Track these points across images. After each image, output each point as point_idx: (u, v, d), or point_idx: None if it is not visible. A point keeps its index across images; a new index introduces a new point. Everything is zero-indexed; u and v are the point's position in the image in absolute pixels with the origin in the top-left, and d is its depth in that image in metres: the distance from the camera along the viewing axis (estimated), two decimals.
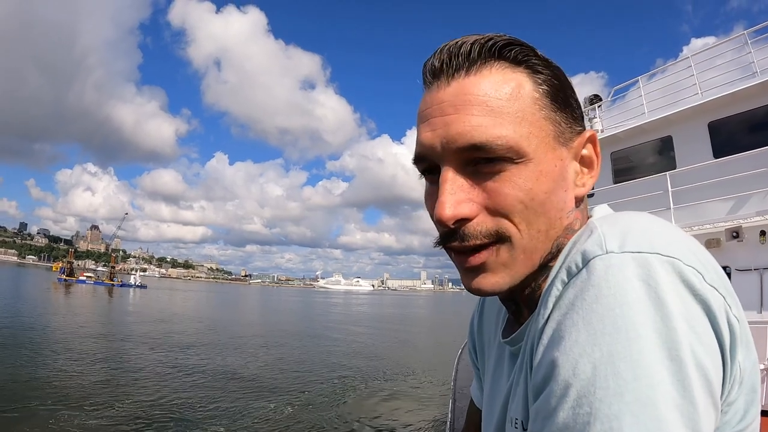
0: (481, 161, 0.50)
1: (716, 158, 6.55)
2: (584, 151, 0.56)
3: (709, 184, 6.34)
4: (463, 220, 0.50)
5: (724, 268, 5.88)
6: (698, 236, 6.14)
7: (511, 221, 0.50)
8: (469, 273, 0.53)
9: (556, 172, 0.52)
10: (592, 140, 0.56)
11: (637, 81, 8.21)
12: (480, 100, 0.50)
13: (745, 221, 5.89)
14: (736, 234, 5.78)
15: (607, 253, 0.42)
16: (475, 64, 0.51)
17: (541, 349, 0.43)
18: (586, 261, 0.43)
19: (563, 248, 0.51)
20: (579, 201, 0.56)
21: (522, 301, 0.59)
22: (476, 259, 0.51)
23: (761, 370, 4.67)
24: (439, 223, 0.51)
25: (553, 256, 0.53)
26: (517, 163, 0.49)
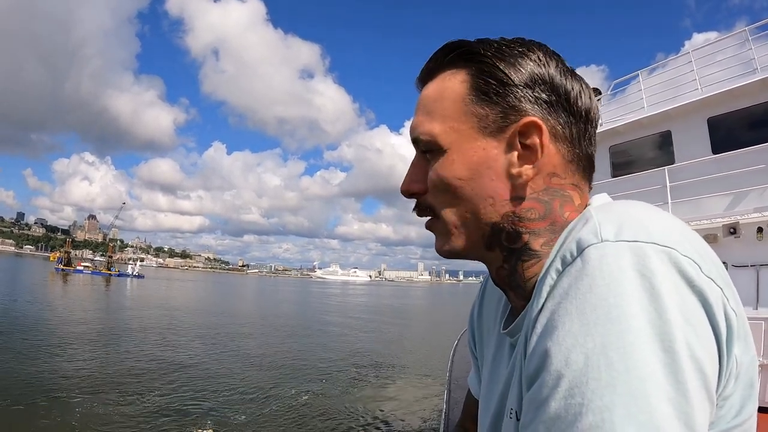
0: (425, 151, 0.59)
1: (715, 154, 6.54)
2: (527, 140, 0.53)
3: (707, 180, 6.34)
4: (417, 195, 0.61)
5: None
6: (695, 232, 6.16)
7: (439, 199, 0.58)
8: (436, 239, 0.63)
9: (474, 161, 0.55)
10: (535, 128, 0.53)
11: (638, 75, 8.18)
12: (423, 104, 0.60)
13: (743, 217, 5.89)
14: (733, 230, 5.79)
15: (602, 241, 0.41)
16: (432, 73, 0.61)
17: (534, 338, 0.43)
18: (580, 249, 0.42)
19: (517, 233, 0.55)
20: (525, 190, 0.54)
21: (503, 283, 0.61)
22: (428, 224, 0.62)
23: (758, 366, 4.73)
24: (402, 194, 0.63)
25: (498, 237, 0.56)
26: (438, 153, 0.57)
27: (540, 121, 0.53)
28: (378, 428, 9.54)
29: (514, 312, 0.64)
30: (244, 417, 9.51)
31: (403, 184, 0.62)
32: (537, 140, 0.53)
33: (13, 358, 12.53)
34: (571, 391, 0.36)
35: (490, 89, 0.55)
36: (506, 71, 0.54)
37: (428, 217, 0.62)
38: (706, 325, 0.39)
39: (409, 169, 0.62)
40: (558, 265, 0.44)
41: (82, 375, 11.60)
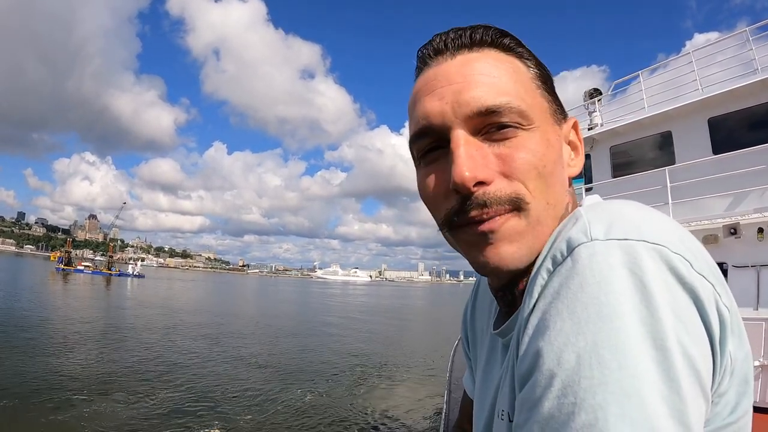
0: (493, 128, 0.50)
1: (715, 154, 6.53)
2: (571, 136, 0.59)
3: (707, 180, 6.33)
4: (482, 185, 0.49)
5: (721, 264, 5.90)
6: (696, 232, 6.15)
7: (527, 187, 0.49)
8: (485, 245, 0.50)
9: (558, 145, 0.54)
10: (575, 127, 0.60)
11: (638, 75, 8.18)
12: (487, 70, 0.51)
13: (743, 218, 5.88)
14: (733, 230, 5.78)
15: (591, 240, 0.41)
16: (477, 44, 0.53)
17: (526, 338, 0.43)
18: (570, 249, 0.42)
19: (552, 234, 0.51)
20: (569, 182, 0.58)
21: (519, 291, 0.56)
22: (495, 223, 0.49)
23: (756, 366, 4.70)
24: (457, 186, 0.48)
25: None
26: (527, 129, 0.50)
27: (578, 121, 0.60)
28: (377, 428, 9.53)
29: (504, 312, 0.64)
30: (249, 417, 9.52)
31: (461, 168, 0.48)
32: (577, 137, 0.59)
33: (20, 357, 12.51)
34: (564, 390, 0.36)
35: (549, 82, 0.56)
36: (548, 72, 0.58)
37: (492, 215, 0.49)
38: (697, 322, 0.39)
39: (466, 150, 0.49)
40: (549, 265, 0.44)
41: (89, 375, 11.58)
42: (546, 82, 0.56)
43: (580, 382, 0.35)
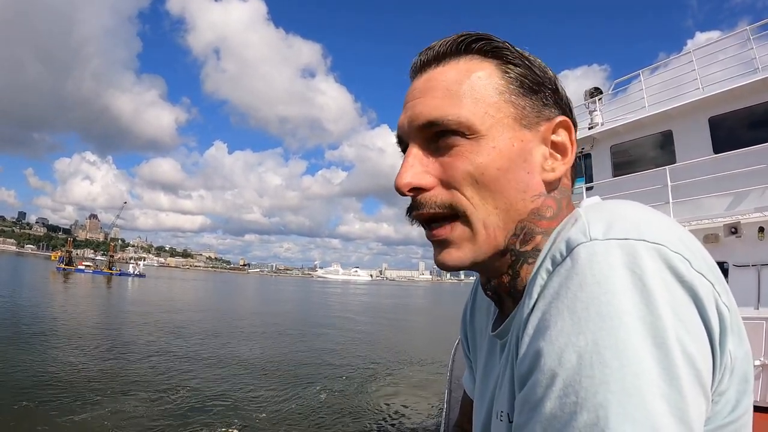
0: (440, 138, 0.54)
1: (716, 153, 6.52)
2: (556, 137, 0.57)
3: (708, 180, 6.32)
4: (420, 190, 0.55)
5: (722, 263, 5.89)
6: (696, 231, 6.14)
7: (463, 194, 0.53)
8: (437, 248, 0.56)
9: (513, 151, 0.53)
10: (565, 127, 0.57)
11: (639, 75, 8.17)
12: (442, 85, 0.55)
13: (744, 217, 5.88)
14: (734, 230, 5.77)
15: (591, 240, 0.41)
16: (446, 57, 0.56)
17: (526, 339, 0.43)
18: (570, 249, 0.42)
19: (533, 232, 0.54)
20: (550, 186, 0.56)
21: (502, 291, 0.59)
22: (439, 233, 0.55)
23: (756, 366, 4.70)
24: (396, 190, 0.55)
25: (518, 238, 0.54)
26: (469, 138, 0.53)
27: (570, 121, 0.58)
28: (377, 427, 9.54)
29: (503, 314, 0.64)
30: (264, 415, 9.65)
31: (401, 176, 0.54)
32: (567, 138, 0.57)
33: (34, 358, 12.52)
34: (566, 390, 0.36)
35: (525, 83, 0.56)
36: (537, 72, 0.57)
37: (434, 221, 0.55)
38: (697, 321, 0.39)
39: (410, 160, 0.55)
40: (548, 265, 0.44)
41: (107, 374, 11.67)
42: (522, 85, 0.55)
43: (582, 382, 0.36)
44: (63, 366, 12.06)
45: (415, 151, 0.56)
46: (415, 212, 0.56)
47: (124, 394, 10.05)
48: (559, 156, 0.57)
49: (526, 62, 0.56)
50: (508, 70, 0.55)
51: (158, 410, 9.30)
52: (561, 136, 0.57)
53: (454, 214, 0.54)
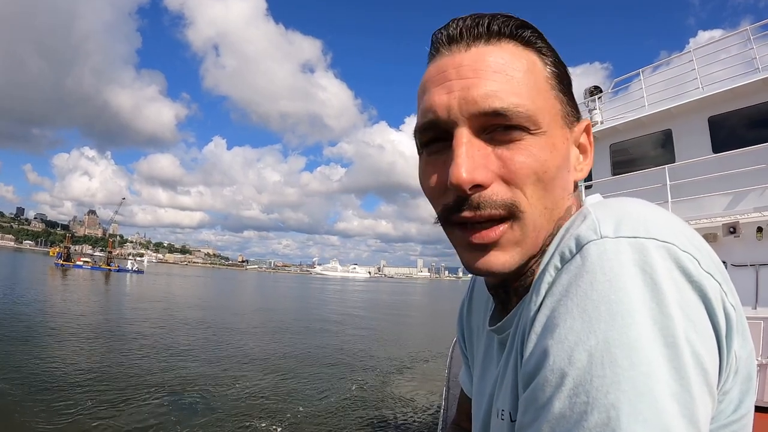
0: (498, 129, 0.49)
1: (715, 153, 6.53)
2: (581, 139, 0.57)
3: (707, 179, 6.32)
4: (478, 187, 0.48)
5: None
6: (695, 231, 6.15)
7: (524, 193, 0.49)
8: (476, 251, 0.50)
9: (564, 150, 0.52)
10: (587, 129, 0.58)
11: (639, 74, 8.16)
12: (501, 67, 0.49)
13: (743, 217, 5.89)
14: (733, 229, 5.78)
15: (601, 238, 0.41)
16: (494, 36, 0.51)
17: (533, 337, 0.42)
18: (580, 246, 0.42)
19: (556, 229, 0.51)
20: (575, 185, 0.57)
21: (513, 289, 0.58)
22: (488, 235, 0.49)
23: (757, 365, 4.73)
24: (455, 187, 0.48)
25: (552, 238, 0.51)
26: (533, 133, 0.49)
27: (590, 123, 0.58)
28: (375, 425, 9.56)
29: (500, 309, 0.63)
30: (302, 408, 9.96)
31: (459, 170, 0.47)
32: (587, 140, 0.58)
33: (32, 355, 12.56)
34: (576, 389, 0.36)
35: (565, 81, 0.54)
36: (567, 70, 0.56)
37: (485, 217, 0.49)
38: (705, 321, 0.39)
39: (468, 150, 0.48)
40: (557, 262, 0.43)
41: (146, 371, 11.95)
42: (562, 81, 0.54)
43: (593, 381, 0.35)
44: (64, 365, 12.07)
45: (469, 138, 0.49)
46: (470, 213, 0.49)
47: (128, 393, 10.08)
48: (582, 157, 0.58)
49: (559, 58, 0.55)
50: (549, 63, 0.53)
51: (159, 410, 9.31)
52: (584, 138, 0.58)
53: (511, 215, 0.49)
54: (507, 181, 0.49)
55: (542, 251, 0.52)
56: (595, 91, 9.17)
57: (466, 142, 0.48)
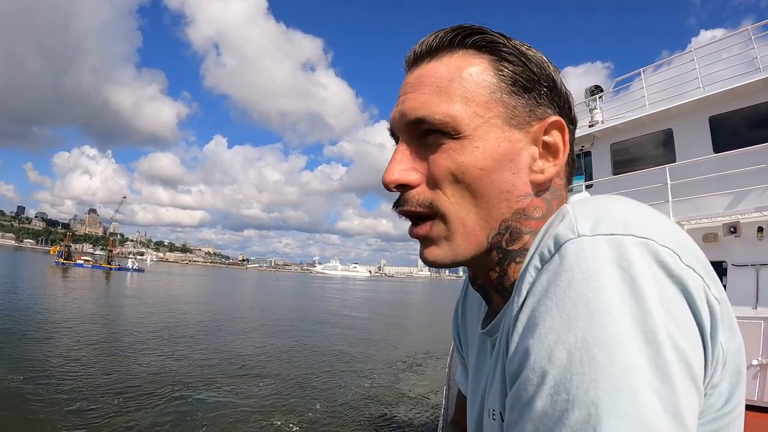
0: (430, 134, 0.54)
1: (716, 153, 6.52)
2: (548, 138, 0.55)
3: (708, 179, 6.31)
4: (406, 187, 0.55)
5: (721, 263, 5.91)
6: (696, 230, 6.16)
7: (444, 193, 0.53)
8: (420, 244, 0.57)
9: (499, 151, 0.53)
10: (558, 127, 0.55)
11: (640, 73, 8.16)
12: (432, 81, 0.54)
13: (743, 217, 5.89)
14: (733, 229, 5.78)
15: (579, 236, 0.41)
16: (439, 51, 0.56)
17: (515, 337, 0.43)
18: (558, 246, 0.42)
19: (520, 232, 0.54)
20: (540, 187, 0.55)
21: (491, 287, 0.59)
22: (419, 230, 0.56)
23: (755, 365, 4.71)
24: (384, 185, 0.55)
25: (503, 236, 0.54)
26: (455, 138, 0.53)
27: (563, 122, 0.56)
28: (375, 423, 9.57)
29: (491, 311, 0.64)
30: (318, 405, 10.16)
31: (389, 173, 0.55)
32: (560, 139, 0.56)
33: (31, 355, 12.57)
34: (556, 387, 0.36)
35: (519, 81, 0.54)
36: (533, 69, 0.55)
37: (417, 218, 0.56)
38: (687, 315, 0.39)
39: (397, 155, 0.56)
40: (537, 262, 0.44)
41: (171, 371, 12.13)
42: (517, 82, 0.54)
43: (572, 379, 0.35)
44: (65, 363, 12.10)
45: (403, 147, 0.56)
46: (399, 208, 0.57)
47: (129, 392, 10.10)
48: (550, 157, 0.55)
49: (522, 59, 0.55)
50: (502, 68, 0.54)
51: (158, 410, 9.32)
52: (553, 137, 0.55)
53: (434, 213, 0.54)
54: (431, 184, 0.54)
55: (497, 249, 0.55)
56: (596, 90, 9.17)
57: (399, 149, 0.56)
